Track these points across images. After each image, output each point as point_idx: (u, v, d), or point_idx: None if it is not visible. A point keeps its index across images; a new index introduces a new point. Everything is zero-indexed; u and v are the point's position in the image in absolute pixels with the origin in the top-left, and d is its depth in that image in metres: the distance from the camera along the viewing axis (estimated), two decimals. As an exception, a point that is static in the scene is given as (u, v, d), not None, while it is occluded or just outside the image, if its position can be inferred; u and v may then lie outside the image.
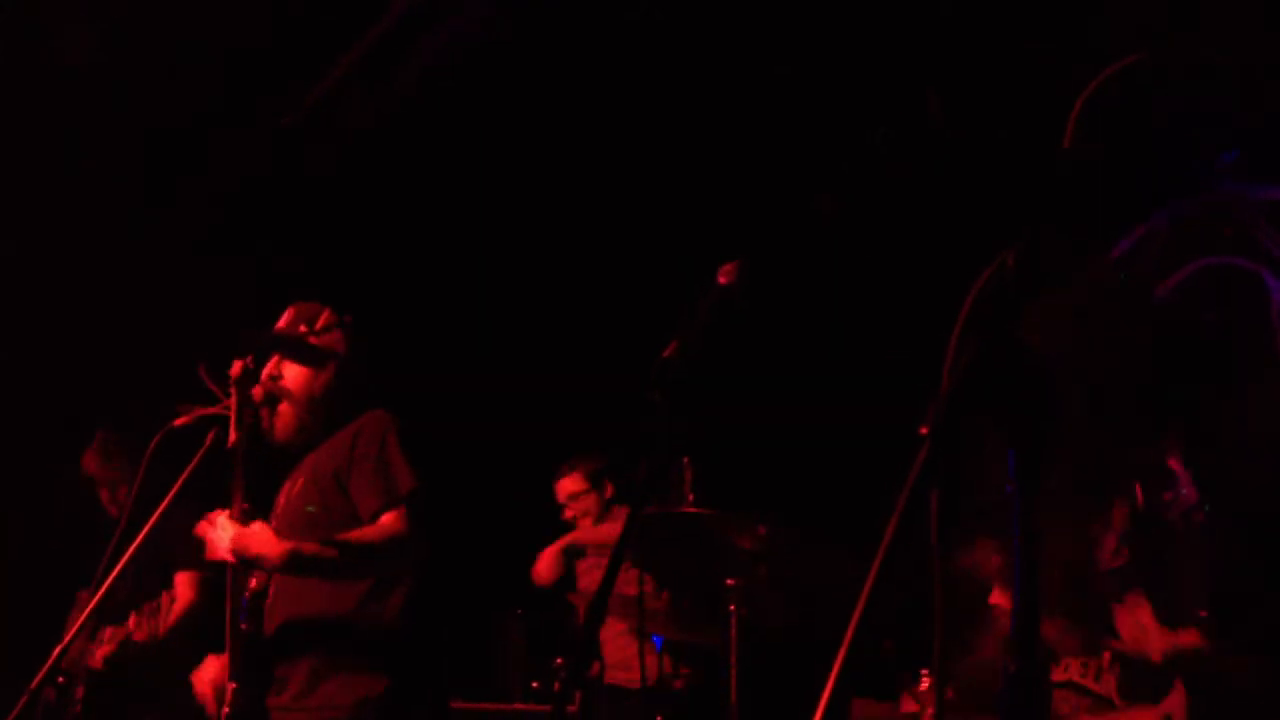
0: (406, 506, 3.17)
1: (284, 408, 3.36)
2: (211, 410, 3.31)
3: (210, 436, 3.31)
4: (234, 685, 3.07)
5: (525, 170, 5.03)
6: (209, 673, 3.24)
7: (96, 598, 3.10)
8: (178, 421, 3.29)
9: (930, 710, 3.13)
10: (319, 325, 3.42)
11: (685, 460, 3.66)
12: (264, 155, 5.39)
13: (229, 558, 3.09)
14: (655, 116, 4.65)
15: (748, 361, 3.76)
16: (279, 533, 3.17)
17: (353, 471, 3.23)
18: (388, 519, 3.17)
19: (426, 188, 5.29)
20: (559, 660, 3.46)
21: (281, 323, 3.46)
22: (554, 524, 4.60)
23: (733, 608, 3.17)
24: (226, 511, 3.14)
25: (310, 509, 3.23)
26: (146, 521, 3.14)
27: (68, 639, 3.09)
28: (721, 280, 2.62)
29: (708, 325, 2.67)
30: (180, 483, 3.23)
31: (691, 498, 3.66)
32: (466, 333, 5.33)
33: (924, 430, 1.32)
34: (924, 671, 3.35)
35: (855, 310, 4.38)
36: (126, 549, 3.12)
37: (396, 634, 3.21)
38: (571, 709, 3.49)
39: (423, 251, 5.39)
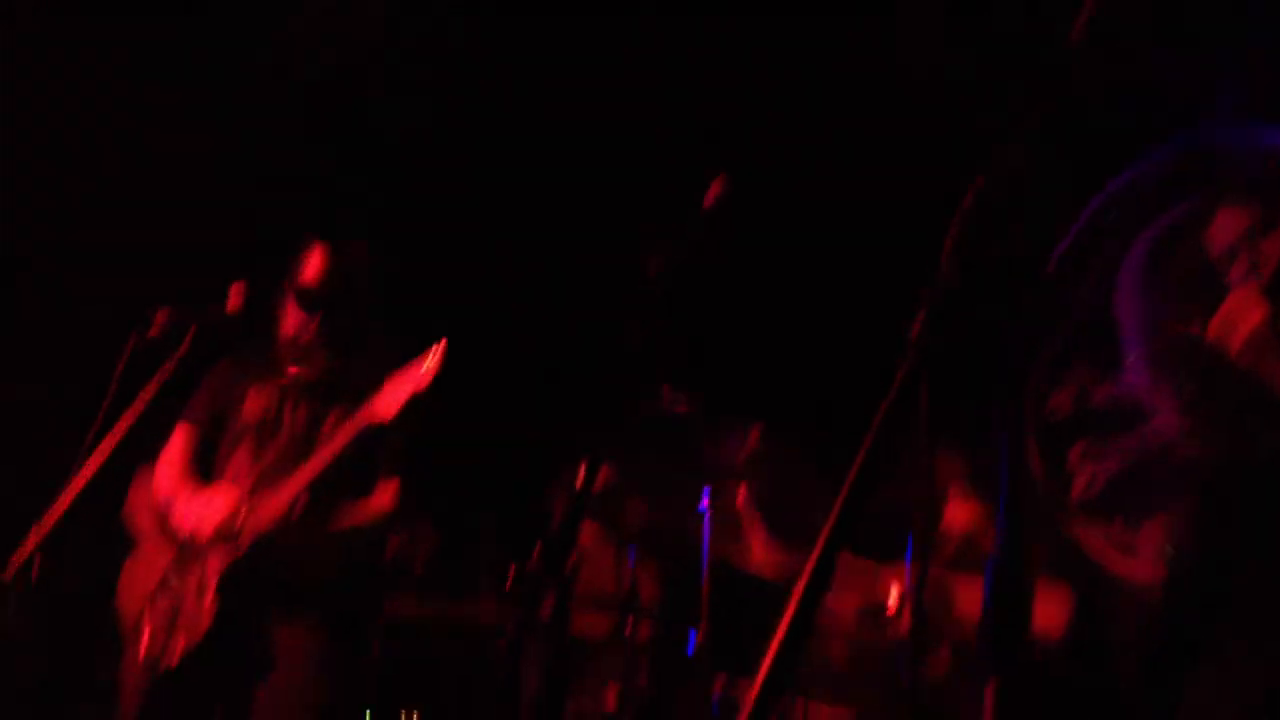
0: (402, 479, 3.28)
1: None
2: (190, 312, 3.30)
3: (189, 336, 3.30)
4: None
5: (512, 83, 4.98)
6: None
7: (69, 497, 3.10)
8: (154, 325, 3.27)
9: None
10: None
11: (665, 388, 3.67)
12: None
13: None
14: (644, 29, 4.61)
15: (734, 280, 3.76)
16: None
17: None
18: (385, 493, 3.29)
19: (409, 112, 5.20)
20: (534, 553, 3.50)
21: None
22: (530, 424, 4.63)
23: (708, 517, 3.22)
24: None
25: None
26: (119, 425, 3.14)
27: (46, 525, 3.09)
28: (708, 197, 2.61)
29: (694, 242, 2.66)
30: (157, 383, 3.22)
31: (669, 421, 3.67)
32: (454, 244, 5.25)
33: (913, 336, 1.33)
34: (894, 584, 3.38)
35: (842, 226, 4.37)
36: (102, 450, 3.12)
37: (354, 593, 3.35)
38: (543, 613, 3.54)
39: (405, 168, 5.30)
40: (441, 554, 4.48)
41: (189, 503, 3.29)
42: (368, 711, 4.16)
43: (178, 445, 3.44)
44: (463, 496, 4.64)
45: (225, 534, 3.20)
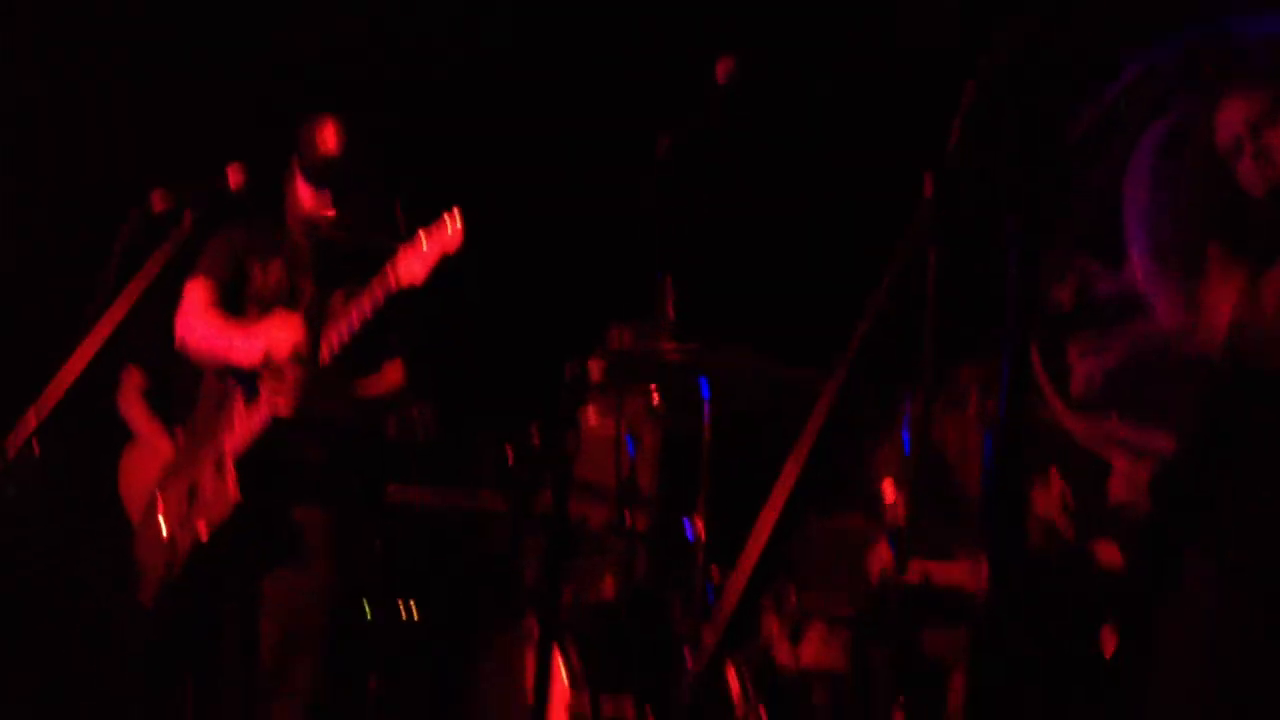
0: (409, 358, 3.30)
1: None
2: (188, 190, 3.27)
3: (186, 219, 3.27)
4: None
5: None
6: None
7: (69, 375, 3.10)
8: (156, 204, 3.24)
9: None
10: None
11: (668, 278, 3.66)
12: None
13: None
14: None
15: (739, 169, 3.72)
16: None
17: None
18: (395, 369, 3.30)
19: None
20: (533, 440, 3.49)
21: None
22: (537, 311, 4.63)
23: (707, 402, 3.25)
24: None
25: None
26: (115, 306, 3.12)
27: (47, 403, 3.08)
28: (719, 75, 2.56)
29: (703, 123, 2.62)
30: (156, 262, 3.19)
31: (672, 316, 3.67)
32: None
33: (928, 191, 1.33)
34: (887, 481, 3.41)
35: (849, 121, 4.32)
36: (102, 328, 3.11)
37: (362, 474, 3.37)
38: (542, 503, 3.57)
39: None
40: (442, 440, 4.50)
41: (249, 332, 3.20)
42: (365, 601, 4.21)
43: (202, 295, 3.32)
44: (466, 384, 4.65)
45: (302, 355, 3.11)
